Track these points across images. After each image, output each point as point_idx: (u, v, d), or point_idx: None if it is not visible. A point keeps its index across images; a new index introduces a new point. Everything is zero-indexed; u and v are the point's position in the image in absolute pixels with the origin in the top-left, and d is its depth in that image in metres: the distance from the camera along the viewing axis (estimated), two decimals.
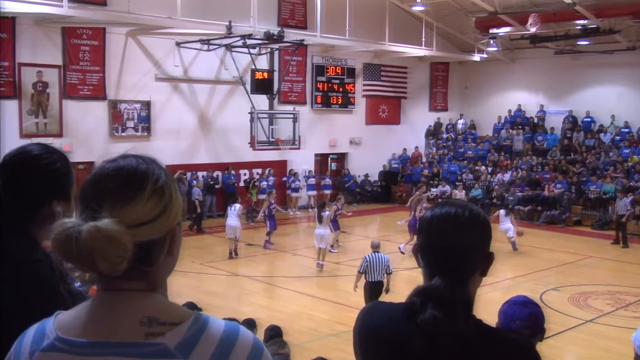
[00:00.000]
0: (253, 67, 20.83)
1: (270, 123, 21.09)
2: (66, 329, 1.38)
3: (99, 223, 1.30)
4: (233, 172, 21.98)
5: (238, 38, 19.27)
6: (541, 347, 2.66)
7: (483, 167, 25.84)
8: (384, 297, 9.89)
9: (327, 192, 24.10)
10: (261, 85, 20.62)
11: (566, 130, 26.33)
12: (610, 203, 20.83)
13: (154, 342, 1.33)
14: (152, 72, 20.40)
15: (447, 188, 24.34)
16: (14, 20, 17.20)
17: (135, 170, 1.39)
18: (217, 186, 21.59)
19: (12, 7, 15.32)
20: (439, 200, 8.81)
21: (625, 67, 24.73)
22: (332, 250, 16.60)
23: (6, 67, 17.43)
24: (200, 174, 21.12)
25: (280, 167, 23.62)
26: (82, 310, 1.41)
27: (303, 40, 20.79)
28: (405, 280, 12.67)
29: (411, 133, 28.62)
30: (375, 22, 23.51)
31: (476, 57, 27.60)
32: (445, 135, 29.41)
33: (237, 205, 16.33)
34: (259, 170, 22.93)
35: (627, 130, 24.68)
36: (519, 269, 15.26)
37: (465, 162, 26.90)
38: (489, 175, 25.15)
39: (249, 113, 20.44)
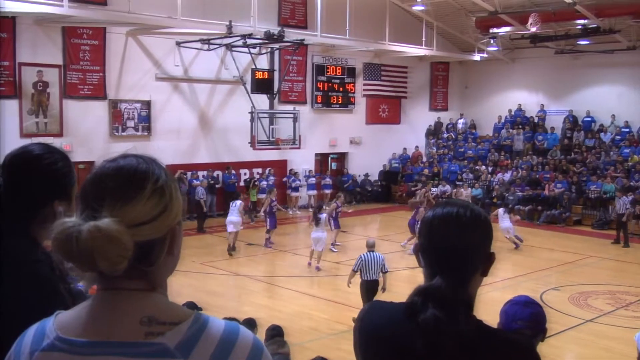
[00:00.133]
0: (253, 66, 20.84)
1: (271, 123, 21.08)
2: (66, 328, 1.38)
3: (99, 222, 1.30)
4: (233, 171, 21.99)
5: (238, 38, 19.27)
6: (541, 347, 2.66)
7: (483, 167, 25.85)
8: (381, 296, 9.90)
9: (328, 191, 24.12)
10: (261, 85, 20.62)
11: (566, 129, 26.33)
12: (611, 203, 20.83)
13: (154, 341, 1.33)
14: (153, 72, 20.40)
15: (448, 188, 24.34)
16: (14, 20, 17.20)
17: (136, 170, 1.39)
18: (217, 186, 21.62)
19: (12, 7, 15.33)
20: (440, 199, 8.81)
21: (625, 66, 24.72)
22: (333, 250, 16.61)
23: (6, 67, 17.43)
24: (200, 173, 21.17)
25: (280, 166, 23.62)
26: (82, 309, 1.41)
27: (303, 40, 20.79)
28: (405, 279, 12.70)
29: (411, 133, 28.62)
30: (376, 21, 23.51)
31: (476, 57, 27.60)
32: (445, 135, 29.40)
33: (239, 202, 16.73)
34: (259, 170, 22.95)
35: (627, 129, 24.66)
36: (519, 268, 15.26)
37: (466, 161, 26.91)
38: (489, 175, 25.16)
39: (249, 113, 20.44)
